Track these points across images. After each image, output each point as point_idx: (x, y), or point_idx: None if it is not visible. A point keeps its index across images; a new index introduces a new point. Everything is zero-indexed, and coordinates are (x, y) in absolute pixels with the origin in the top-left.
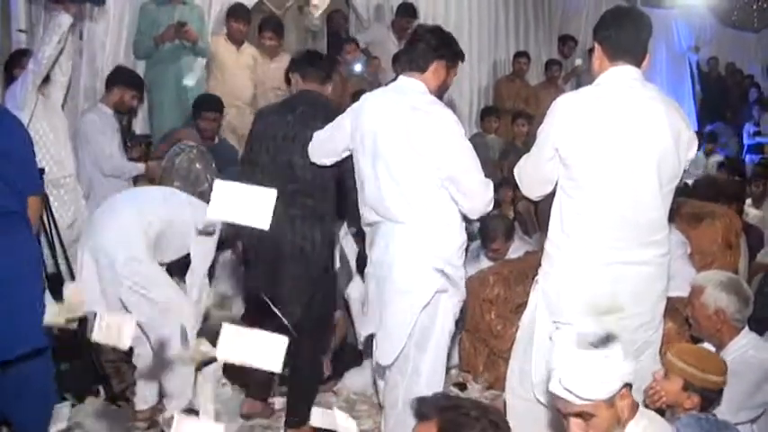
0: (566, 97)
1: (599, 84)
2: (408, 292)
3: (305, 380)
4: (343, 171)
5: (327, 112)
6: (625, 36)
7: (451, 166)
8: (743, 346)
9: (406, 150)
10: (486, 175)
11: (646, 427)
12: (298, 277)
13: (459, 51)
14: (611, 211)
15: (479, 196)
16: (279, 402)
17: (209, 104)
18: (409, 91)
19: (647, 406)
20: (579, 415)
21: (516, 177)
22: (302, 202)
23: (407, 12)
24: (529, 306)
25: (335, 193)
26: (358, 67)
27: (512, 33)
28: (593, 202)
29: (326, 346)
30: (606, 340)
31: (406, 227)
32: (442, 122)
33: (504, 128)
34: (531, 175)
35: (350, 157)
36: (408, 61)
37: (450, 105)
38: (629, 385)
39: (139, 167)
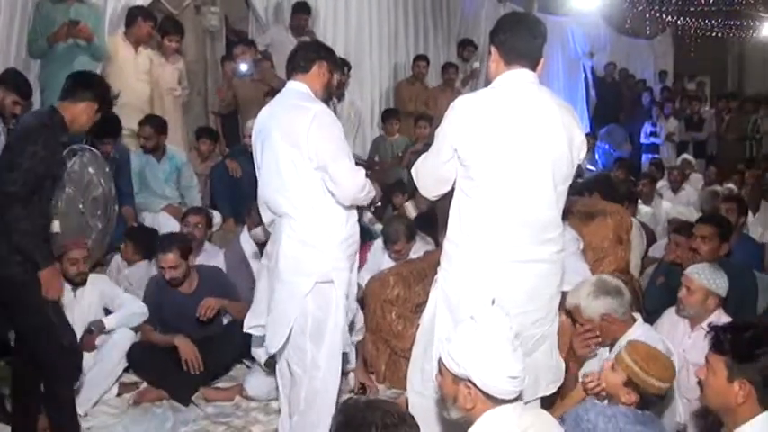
0: (463, 99)
1: (495, 86)
2: (290, 282)
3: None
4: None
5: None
6: (520, 41)
7: (321, 155)
8: (637, 338)
9: (284, 147)
10: (390, 176)
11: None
12: None
13: (340, 59)
14: (508, 211)
15: (348, 182)
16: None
17: (107, 133)
18: (291, 92)
19: (586, 390)
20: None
21: (414, 177)
22: None
23: (302, 9)
24: (429, 305)
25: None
26: (243, 68)
27: (411, 37)
28: (490, 201)
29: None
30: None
31: (291, 220)
32: (311, 114)
33: (406, 130)
34: (429, 175)
35: None
36: (292, 67)
37: (352, 108)
38: (474, 384)
39: None
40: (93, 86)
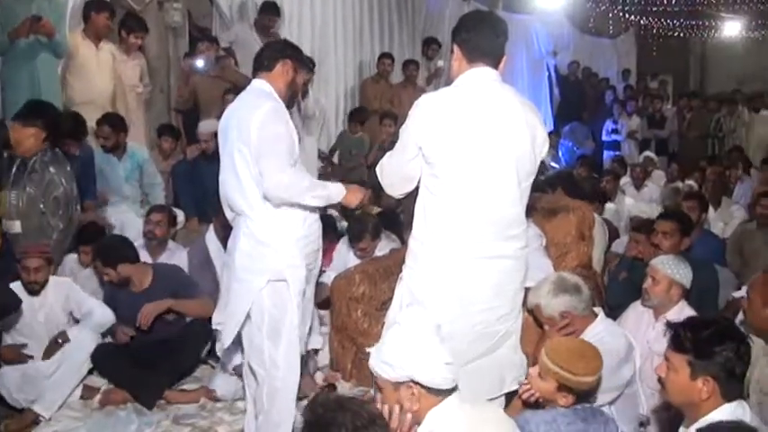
0: (427, 97)
1: (458, 85)
2: (244, 279)
3: None
4: None
5: None
6: (483, 39)
7: (257, 151)
8: (598, 333)
9: (239, 145)
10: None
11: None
12: None
13: (306, 59)
14: (473, 208)
15: (270, 180)
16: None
17: (70, 134)
18: (253, 90)
19: (521, 399)
20: (379, 387)
21: (378, 175)
22: None
23: (271, 10)
24: (394, 302)
25: None
26: (199, 63)
27: (376, 35)
28: (455, 198)
29: None
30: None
31: (247, 218)
32: (262, 112)
33: (372, 128)
34: (394, 173)
35: None
36: (257, 65)
37: (317, 105)
38: (422, 386)
39: None
40: (45, 116)
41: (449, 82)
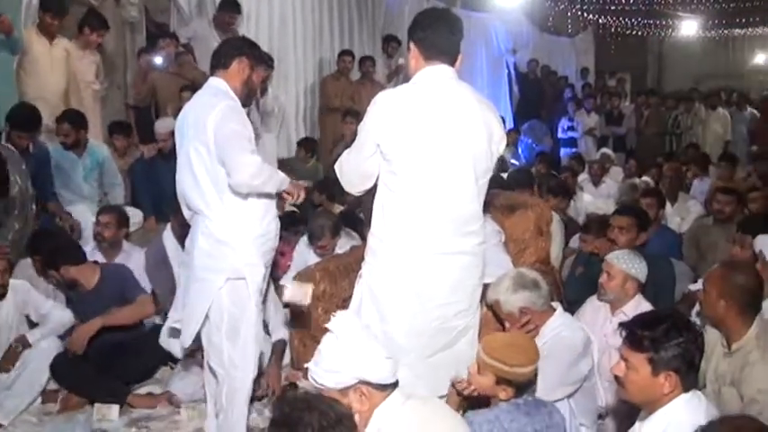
0: (384, 94)
1: (416, 82)
2: (202, 279)
3: None
4: None
5: None
6: (439, 37)
7: (218, 148)
8: (556, 328)
9: (195, 144)
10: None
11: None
12: None
13: (263, 54)
14: (431, 204)
15: (239, 170)
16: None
17: (22, 125)
18: (209, 88)
19: (460, 394)
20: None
21: (337, 173)
22: None
23: (231, 6)
24: (354, 299)
25: None
26: (158, 60)
27: (336, 32)
28: (413, 195)
29: None
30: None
31: (204, 217)
32: (218, 110)
33: (333, 126)
34: (353, 171)
35: None
36: (214, 63)
37: (276, 102)
38: (370, 384)
39: None
40: None
41: (408, 79)
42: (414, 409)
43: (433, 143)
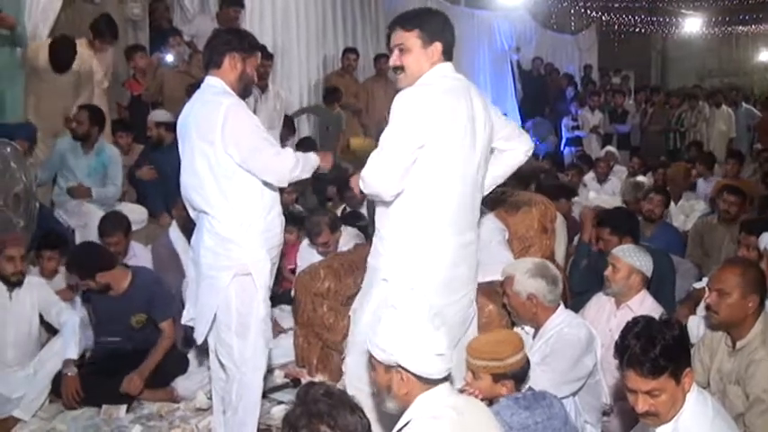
0: (421, 94)
1: (440, 78)
2: (210, 276)
3: None
4: None
5: None
6: (451, 37)
7: (240, 150)
8: (558, 324)
9: (199, 144)
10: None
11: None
12: None
13: (252, 41)
14: (460, 197)
15: (276, 168)
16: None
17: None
18: (207, 88)
19: None
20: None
21: (369, 179)
22: None
23: (234, 1)
24: (370, 304)
25: None
26: (169, 58)
27: (340, 29)
28: (447, 189)
29: None
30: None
31: (209, 216)
32: (223, 109)
33: None
34: (392, 173)
35: None
36: (207, 63)
37: (278, 99)
38: (411, 373)
39: None
40: None
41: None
42: (456, 403)
43: (463, 137)
